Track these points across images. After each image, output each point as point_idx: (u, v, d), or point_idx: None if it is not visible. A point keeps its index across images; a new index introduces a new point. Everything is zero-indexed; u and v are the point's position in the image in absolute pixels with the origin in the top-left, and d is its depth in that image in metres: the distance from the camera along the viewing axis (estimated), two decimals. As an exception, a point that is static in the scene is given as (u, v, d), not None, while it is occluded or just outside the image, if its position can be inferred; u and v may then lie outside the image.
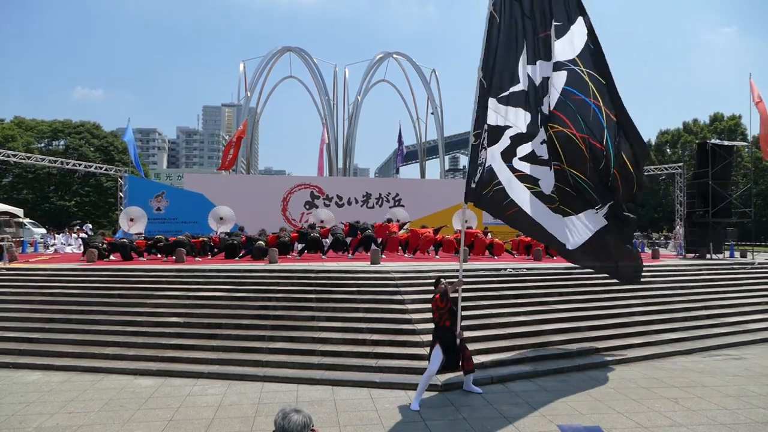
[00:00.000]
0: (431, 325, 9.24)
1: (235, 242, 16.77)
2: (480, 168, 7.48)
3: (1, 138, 43.32)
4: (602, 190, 7.79)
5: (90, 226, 29.61)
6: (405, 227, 18.48)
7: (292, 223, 24.55)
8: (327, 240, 17.45)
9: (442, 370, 7.09)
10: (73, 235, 24.71)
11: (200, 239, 17.06)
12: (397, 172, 42.28)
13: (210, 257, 16.87)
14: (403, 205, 24.61)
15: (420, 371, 7.94)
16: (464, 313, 9.89)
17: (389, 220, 18.30)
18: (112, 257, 16.11)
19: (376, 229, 17.36)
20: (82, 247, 18.59)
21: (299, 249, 17.15)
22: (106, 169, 28.23)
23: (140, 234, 18.67)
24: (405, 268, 12.15)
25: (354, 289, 10.59)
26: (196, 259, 16.10)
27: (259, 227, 18.62)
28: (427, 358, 8.26)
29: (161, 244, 16.30)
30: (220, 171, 32.20)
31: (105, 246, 16.17)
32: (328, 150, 33.60)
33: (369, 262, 13.84)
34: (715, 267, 16.15)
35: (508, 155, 7.64)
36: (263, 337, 9.19)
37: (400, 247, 17.41)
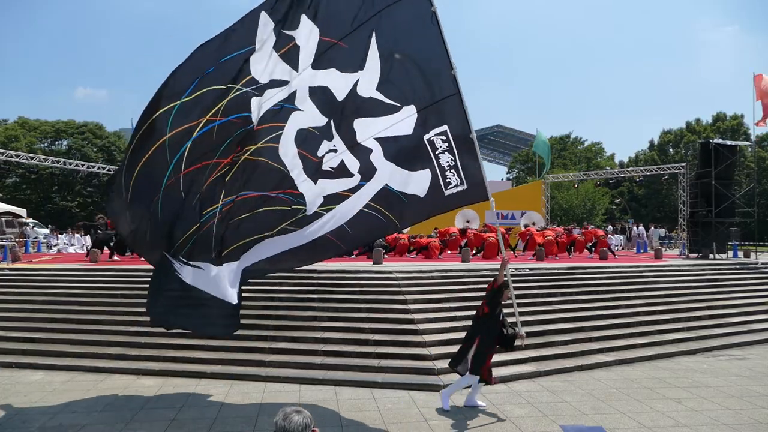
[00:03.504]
0: (434, 325, 9.31)
1: None
2: None
3: (5, 138, 43.47)
4: None
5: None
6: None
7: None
8: None
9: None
10: (77, 234, 24.76)
11: None
12: None
13: None
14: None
15: (422, 371, 7.96)
16: (466, 313, 9.92)
17: None
18: (116, 257, 16.17)
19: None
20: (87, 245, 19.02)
21: None
22: (108, 170, 28.31)
23: None
24: (407, 268, 12.14)
25: (356, 289, 10.59)
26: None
27: None
28: (427, 358, 8.28)
29: None
30: None
31: (107, 232, 16.55)
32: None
33: (371, 262, 13.84)
34: (718, 267, 16.11)
35: None
36: (265, 337, 9.20)
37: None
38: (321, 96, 6.26)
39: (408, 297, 10.12)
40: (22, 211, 28.76)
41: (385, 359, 8.32)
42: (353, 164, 6.30)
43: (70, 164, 27.28)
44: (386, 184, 6.26)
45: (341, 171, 6.29)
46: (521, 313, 10.30)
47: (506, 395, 7.32)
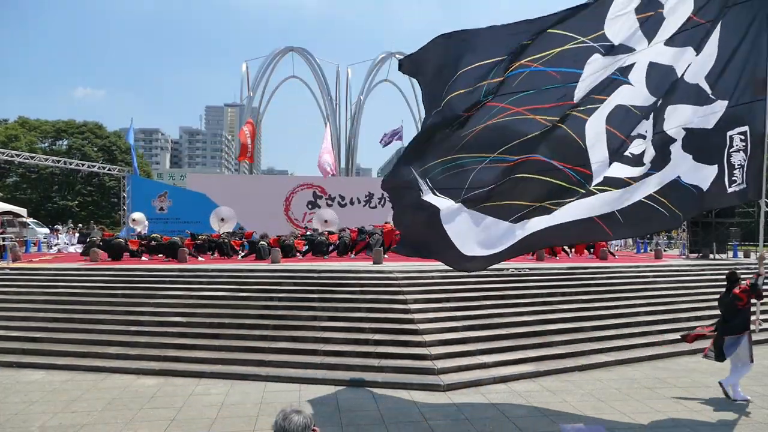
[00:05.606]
0: (434, 325, 9.30)
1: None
2: None
3: (5, 138, 43.46)
4: None
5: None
6: None
7: (294, 223, 24.57)
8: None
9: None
10: (77, 234, 24.80)
11: (200, 238, 17.07)
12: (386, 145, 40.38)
13: (211, 257, 16.89)
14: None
15: (422, 371, 7.96)
16: (466, 313, 9.94)
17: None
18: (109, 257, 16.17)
19: (385, 233, 17.19)
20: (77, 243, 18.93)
21: (303, 250, 17.20)
22: (108, 169, 28.37)
23: (138, 233, 18.88)
24: (407, 268, 12.13)
25: (356, 289, 10.59)
26: (199, 258, 16.13)
27: (261, 227, 18.62)
28: (427, 358, 8.27)
29: (153, 243, 16.34)
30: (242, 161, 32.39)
31: (101, 241, 16.35)
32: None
33: (371, 262, 13.84)
34: (718, 267, 16.08)
35: None
36: (266, 336, 9.20)
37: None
38: (658, 74, 6.12)
39: (408, 297, 10.12)
40: (23, 211, 28.74)
41: (385, 359, 8.32)
42: (650, 153, 6.11)
43: (70, 164, 27.34)
44: (678, 176, 6.02)
45: (638, 160, 6.12)
46: (520, 313, 10.34)
47: (506, 395, 7.32)
